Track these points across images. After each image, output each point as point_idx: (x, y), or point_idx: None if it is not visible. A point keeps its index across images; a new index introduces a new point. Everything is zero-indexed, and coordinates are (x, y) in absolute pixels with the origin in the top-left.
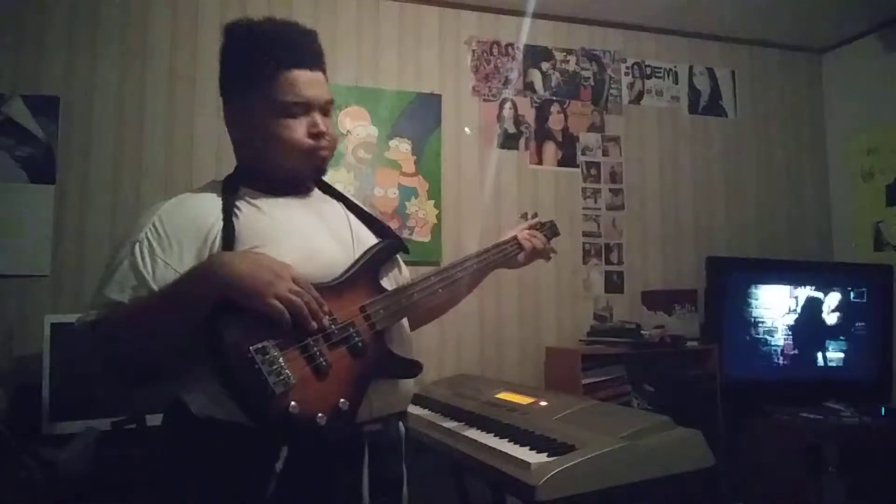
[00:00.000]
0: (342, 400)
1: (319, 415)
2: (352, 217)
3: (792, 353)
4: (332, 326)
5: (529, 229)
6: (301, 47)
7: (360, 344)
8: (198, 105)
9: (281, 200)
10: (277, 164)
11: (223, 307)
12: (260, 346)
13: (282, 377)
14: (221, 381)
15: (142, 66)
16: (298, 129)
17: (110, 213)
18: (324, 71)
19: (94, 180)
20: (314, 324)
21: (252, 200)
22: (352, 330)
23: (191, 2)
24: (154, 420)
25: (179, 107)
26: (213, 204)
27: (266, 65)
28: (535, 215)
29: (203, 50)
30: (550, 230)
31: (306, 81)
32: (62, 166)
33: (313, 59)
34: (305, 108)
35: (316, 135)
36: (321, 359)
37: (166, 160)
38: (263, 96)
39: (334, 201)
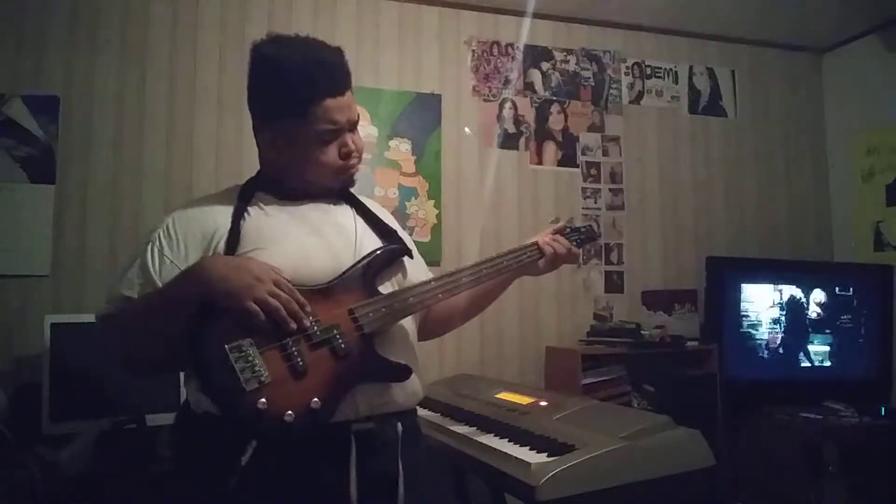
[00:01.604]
0: (315, 399)
1: (288, 412)
2: (360, 222)
3: (792, 353)
4: (315, 328)
5: (553, 234)
6: (333, 74)
7: (342, 345)
8: (198, 105)
9: (290, 206)
10: (308, 181)
11: (206, 308)
12: (235, 344)
13: (255, 374)
14: (198, 376)
15: (142, 66)
16: (331, 152)
17: (110, 213)
18: (351, 86)
19: (94, 180)
20: (293, 324)
21: (263, 205)
22: (335, 332)
23: (191, 2)
24: (154, 420)
25: (179, 107)
26: (224, 208)
27: (301, 96)
28: (570, 220)
29: (203, 50)
30: (583, 234)
31: (339, 108)
32: (62, 166)
33: (344, 82)
34: (338, 133)
35: (347, 154)
36: (298, 359)
37: (166, 160)
38: (299, 124)
39: (346, 206)
